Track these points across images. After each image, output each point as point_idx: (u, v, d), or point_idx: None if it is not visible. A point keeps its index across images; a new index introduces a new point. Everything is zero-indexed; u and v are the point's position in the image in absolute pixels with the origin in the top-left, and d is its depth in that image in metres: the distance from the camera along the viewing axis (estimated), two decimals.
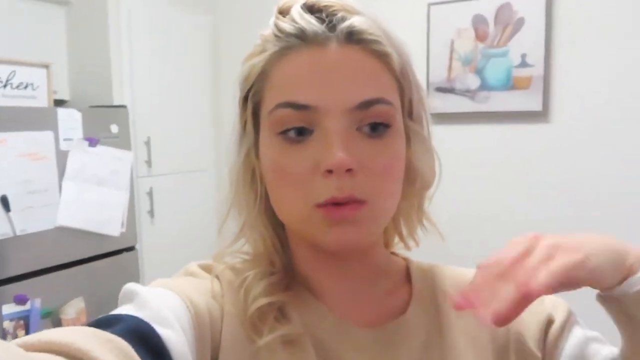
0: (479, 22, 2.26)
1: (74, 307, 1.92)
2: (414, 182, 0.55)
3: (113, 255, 2.13)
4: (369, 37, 0.48)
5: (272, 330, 0.49)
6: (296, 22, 0.48)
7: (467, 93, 2.31)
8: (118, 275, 2.14)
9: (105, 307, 2.01)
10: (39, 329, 1.77)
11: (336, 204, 0.46)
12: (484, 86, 2.27)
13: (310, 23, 0.47)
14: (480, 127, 2.32)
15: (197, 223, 2.73)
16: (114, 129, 2.14)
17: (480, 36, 2.26)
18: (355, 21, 0.48)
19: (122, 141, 2.17)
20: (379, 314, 0.55)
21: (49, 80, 2.01)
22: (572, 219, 2.16)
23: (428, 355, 0.52)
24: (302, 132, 0.47)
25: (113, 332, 0.39)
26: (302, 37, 0.48)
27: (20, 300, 1.74)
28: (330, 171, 0.45)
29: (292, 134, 0.47)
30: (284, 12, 0.50)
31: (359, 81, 0.47)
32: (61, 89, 2.32)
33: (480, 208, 2.32)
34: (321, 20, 0.48)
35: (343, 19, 0.48)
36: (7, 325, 1.70)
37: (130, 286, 0.47)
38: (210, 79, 2.88)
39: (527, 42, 2.17)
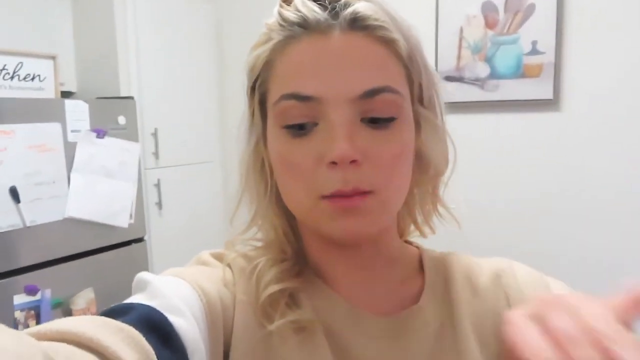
0: (488, 10, 2.22)
1: (84, 297, 1.94)
2: (427, 169, 0.54)
3: (122, 247, 2.14)
4: (374, 22, 0.46)
5: (283, 316, 0.49)
6: (299, 11, 0.47)
7: (477, 82, 2.28)
8: (127, 266, 2.16)
9: (115, 298, 2.02)
10: (50, 319, 1.78)
11: (342, 195, 0.46)
12: (494, 74, 2.24)
13: (312, 11, 0.46)
14: (490, 116, 2.29)
15: (204, 214, 2.74)
16: (122, 120, 2.14)
17: (490, 23, 2.23)
18: (359, 7, 0.46)
19: (130, 133, 2.17)
20: (391, 302, 0.54)
21: (55, 72, 2.01)
22: (583, 207, 2.13)
23: (440, 344, 0.51)
24: (306, 126, 0.47)
25: (125, 321, 0.39)
26: (304, 26, 0.47)
27: (31, 290, 1.75)
28: (334, 163, 0.45)
29: (296, 128, 0.47)
30: (287, 1, 0.49)
31: (363, 69, 0.46)
32: (68, 80, 2.32)
33: (489, 197, 2.30)
34: (324, 8, 0.47)
35: (346, 5, 0.46)
36: (19, 315, 1.72)
37: (143, 275, 0.47)
38: (215, 70, 2.88)
39: (538, 29, 2.13)
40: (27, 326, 1.73)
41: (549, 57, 2.12)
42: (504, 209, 2.27)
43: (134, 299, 0.45)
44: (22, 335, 0.30)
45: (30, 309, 1.75)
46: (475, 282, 0.56)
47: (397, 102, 0.47)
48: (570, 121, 2.14)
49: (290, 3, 0.48)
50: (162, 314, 0.42)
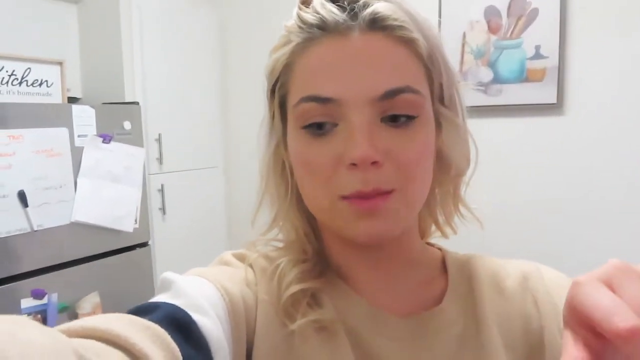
0: (491, 14, 2.24)
1: (90, 301, 1.94)
2: (448, 169, 0.54)
3: (127, 251, 2.14)
4: (393, 22, 0.46)
5: (305, 315, 0.49)
6: (317, 12, 0.47)
7: (480, 86, 2.29)
8: (132, 271, 2.16)
9: (120, 302, 2.04)
10: (56, 323, 1.78)
11: (362, 197, 0.46)
12: (497, 79, 2.25)
13: (331, 12, 0.46)
14: (494, 121, 2.30)
15: (207, 219, 2.74)
16: (127, 125, 2.15)
17: (493, 28, 2.24)
18: (379, 7, 0.46)
19: (135, 138, 2.18)
20: (414, 303, 0.54)
21: (62, 77, 2.02)
22: (587, 211, 2.14)
23: (464, 347, 0.51)
24: (325, 126, 0.47)
25: (150, 319, 0.39)
26: (323, 27, 0.46)
27: (38, 294, 1.75)
28: (354, 164, 0.45)
29: (315, 128, 0.47)
30: (306, 2, 0.49)
31: (383, 70, 0.46)
32: (74, 86, 2.33)
33: (494, 201, 2.30)
34: (342, 9, 0.46)
35: (365, 6, 0.46)
36: None
37: (167, 275, 0.47)
38: (219, 75, 2.89)
39: (541, 33, 2.14)
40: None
41: (552, 62, 2.14)
42: (509, 212, 2.27)
43: (159, 298, 0.45)
44: (54, 331, 0.31)
45: (37, 312, 1.75)
46: (502, 284, 0.55)
47: (417, 102, 0.47)
48: (573, 125, 2.15)
49: (309, 5, 0.48)
50: (186, 312, 0.42)
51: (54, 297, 1.80)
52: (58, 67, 2.01)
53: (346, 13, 0.46)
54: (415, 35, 0.47)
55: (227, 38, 2.92)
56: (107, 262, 2.05)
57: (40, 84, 1.94)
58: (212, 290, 0.47)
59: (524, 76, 2.20)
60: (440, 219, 0.59)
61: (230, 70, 2.92)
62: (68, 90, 2.13)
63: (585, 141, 2.13)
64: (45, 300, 1.77)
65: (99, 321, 0.36)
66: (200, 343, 0.41)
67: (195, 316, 0.42)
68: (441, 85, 0.50)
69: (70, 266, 1.90)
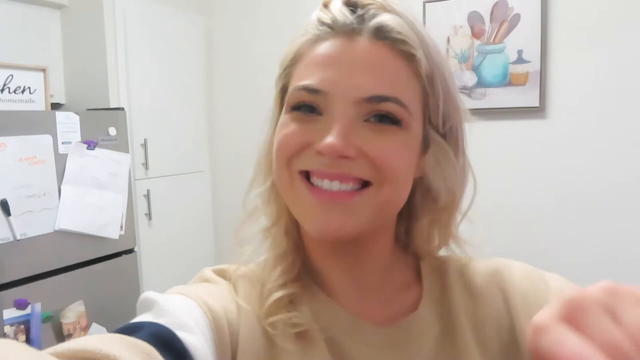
0: (474, 20, 2.26)
1: (74, 310, 1.92)
2: (434, 197, 0.54)
3: (112, 258, 2.12)
4: (397, 35, 0.48)
5: (287, 322, 0.50)
6: (332, 13, 0.50)
7: (464, 90, 2.31)
8: (118, 278, 2.14)
9: (106, 310, 2.02)
10: (40, 333, 1.76)
11: (324, 176, 0.47)
12: (481, 83, 2.28)
13: (342, 14, 0.49)
14: (478, 124, 2.31)
15: (194, 224, 2.73)
16: (112, 131, 2.13)
17: (477, 33, 2.27)
18: (386, 18, 0.48)
19: (120, 144, 2.16)
20: (391, 310, 0.54)
21: (46, 84, 2.00)
22: (570, 214, 2.17)
23: (441, 350, 0.52)
24: (313, 112, 0.48)
25: (137, 338, 0.39)
26: (332, 27, 0.49)
27: (21, 304, 1.73)
28: (321, 153, 0.46)
29: (303, 110, 0.49)
30: (326, 4, 0.52)
31: (376, 75, 0.47)
32: (57, 92, 2.31)
33: (476, 204, 2.32)
34: (354, 13, 0.49)
35: (374, 15, 0.48)
36: (8, 330, 1.69)
37: (148, 294, 0.47)
38: (204, 80, 2.88)
39: (523, 38, 2.17)
40: (16, 341, 1.71)
41: (534, 66, 2.17)
42: (491, 214, 2.30)
43: (142, 318, 0.45)
44: (43, 354, 0.31)
45: (20, 323, 1.72)
46: (471, 284, 0.56)
47: (401, 115, 0.47)
48: (555, 128, 2.18)
49: (328, 6, 0.51)
50: (171, 331, 0.42)
51: (38, 306, 1.77)
52: (41, 74, 1.98)
53: (355, 17, 0.49)
54: (417, 52, 0.48)
55: (213, 42, 2.91)
56: (93, 269, 2.03)
57: (23, 91, 1.92)
58: (194, 307, 0.47)
59: (507, 80, 2.23)
60: (426, 246, 0.59)
61: (216, 74, 2.91)
62: (51, 96, 2.11)
63: (567, 144, 2.17)
64: (28, 310, 1.75)
65: (86, 342, 0.36)
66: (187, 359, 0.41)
67: (180, 334, 0.42)
68: (437, 110, 0.51)
69: (55, 275, 1.88)
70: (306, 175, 0.49)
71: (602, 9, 2.06)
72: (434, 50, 0.50)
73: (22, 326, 1.73)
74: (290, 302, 0.52)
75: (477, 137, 2.28)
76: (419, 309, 0.54)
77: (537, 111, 2.19)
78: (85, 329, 1.95)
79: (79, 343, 0.36)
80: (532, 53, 2.16)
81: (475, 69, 2.29)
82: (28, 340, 1.74)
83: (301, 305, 0.52)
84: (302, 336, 0.50)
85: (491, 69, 2.25)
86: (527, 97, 2.19)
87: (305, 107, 0.49)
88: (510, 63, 2.21)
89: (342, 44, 0.48)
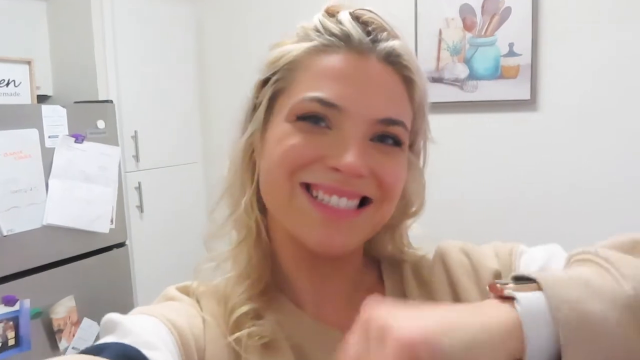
0: (466, 12, 2.25)
1: (65, 306, 1.91)
2: (405, 207, 0.58)
3: (103, 252, 2.11)
4: (404, 62, 0.50)
5: (251, 335, 0.50)
6: (344, 26, 0.50)
7: (456, 82, 2.30)
8: (109, 272, 2.13)
9: (97, 304, 2.01)
10: (29, 330, 1.76)
11: (333, 192, 0.48)
12: (473, 75, 2.27)
13: (357, 31, 0.49)
14: (469, 116, 2.32)
15: (186, 216, 2.72)
16: (101, 124, 2.11)
17: (468, 26, 2.26)
18: (396, 44, 0.50)
19: (110, 137, 2.14)
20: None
21: (31, 77, 1.97)
22: (560, 206, 2.18)
23: None
24: (320, 124, 0.48)
25: (103, 358, 0.39)
26: (346, 41, 0.49)
27: (9, 301, 1.72)
28: (337, 169, 0.47)
29: (311, 121, 0.48)
30: (330, 14, 0.52)
31: (391, 99, 0.50)
32: (44, 84, 2.28)
33: (468, 196, 2.33)
34: (367, 33, 0.50)
35: (386, 39, 0.50)
36: None
37: (111, 316, 0.47)
38: (195, 71, 2.85)
39: (515, 31, 2.16)
40: (5, 338, 1.70)
41: (525, 59, 2.16)
42: (482, 207, 2.30)
43: (105, 339, 0.44)
44: None
45: (8, 320, 1.72)
46: (422, 275, 0.58)
47: (404, 137, 0.51)
48: (546, 120, 2.19)
49: (334, 15, 0.51)
50: (137, 349, 0.42)
51: (27, 303, 1.77)
52: (26, 66, 1.96)
53: (370, 38, 0.50)
54: (417, 79, 0.52)
55: (204, 32, 2.88)
56: (83, 264, 2.02)
57: (8, 84, 1.89)
58: (159, 325, 0.47)
59: (498, 73, 2.22)
60: (387, 248, 0.61)
61: (207, 65, 2.88)
62: (38, 88, 2.08)
63: (558, 136, 2.17)
64: (17, 307, 1.74)
65: None
66: None
67: (146, 352, 0.42)
68: (417, 132, 0.55)
69: (44, 270, 1.87)
70: (306, 187, 0.49)
71: (593, 1, 2.06)
72: (424, 76, 0.53)
73: (11, 322, 1.73)
74: (255, 316, 0.52)
75: (468, 129, 2.29)
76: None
77: (528, 104, 2.19)
78: (77, 324, 1.94)
79: None
80: (523, 46, 2.16)
81: (467, 62, 2.28)
82: (17, 337, 1.74)
83: (266, 316, 0.52)
84: (268, 346, 0.51)
85: (483, 61, 2.25)
86: (518, 89, 2.19)
87: (311, 118, 0.48)
88: (501, 56, 2.21)
89: (356, 61, 0.49)
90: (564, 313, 0.35)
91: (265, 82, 0.53)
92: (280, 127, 0.50)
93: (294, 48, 0.51)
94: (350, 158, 0.46)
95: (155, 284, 2.12)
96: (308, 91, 0.48)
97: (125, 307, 2.20)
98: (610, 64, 2.06)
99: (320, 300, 0.55)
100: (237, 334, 0.50)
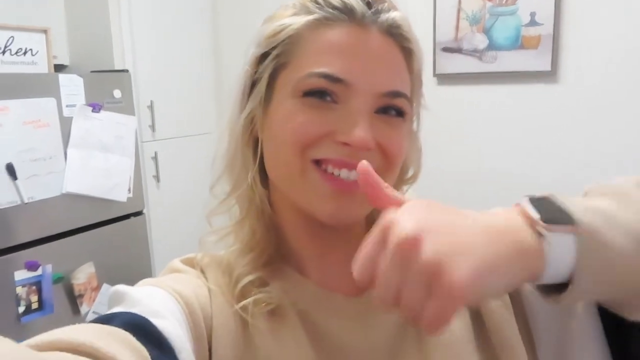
0: None
1: (85, 272, 1.96)
2: (402, 173, 0.58)
3: (121, 220, 2.15)
4: (404, 34, 0.51)
5: (257, 302, 0.51)
6: None
7: (475, 53, 2.25)
8: (127, 240, 2.18)
9: (115, 271, 2.06)
10: (52, 294, 1.81)
11: (343, 166, 0.48)
12: (492, 46, 2.22)
13: (359, 3, 0.49)
14: (488, 88, 2.28)
15: (202, 185, 2.73)
16: (117, 94, 2.11)
17: None
18: (397, 16, 0.51)
19: (126, 106, 2.15)
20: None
21: (48, 46, 1.98)
22: (580, 179, 2.15)
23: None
24: (326, 99, 0.49)
25: (112, 326, 0.40)
26: (347, 14, 0.49)
27: (32, 266, 1.77)
28: (346, 144, 0.47)
29: (317, 96, 0.48)
30: None
31: (392, 71, 0.50)
32: (61, 53, 2.28)
33: (485, 169, 2.31)
34: (368, 4, 0.49)
35: (387, 10, 0.50)
36: (20, 291, 1.74)
37: (118, 288, 0.48)
38: (211, 39, 2.83)
39: (537, 0, 2.10)
40: (29, 302, 1.76)
41: (547, 29, 2.10)
42: (499, 180, 2.28)
43: (113, 310, 0.45)
44: (21, 347, 0.32)
45: (31, 284, 1.77)
46: None
47: (407, 109, 0.52)
48: (567, 93, 2.13)
49: None
50: (144, 317, 0.43)
51: (49, 268, 1.82)
52: (43, 35, 1.96)
53: (372, 10, 0.49)
54: (416, 50, 0.52)
55: (219, 2, 2.84)
56: (102, 232, 2.06)
57: (25, 53, 1.90)
58: (165, 296, 0.47)
59: (519, 43, 2.17)
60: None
61: (222, 34, 2.86)
62: (55, 57, 2.09)
63: (579, 109, 2.12)
64: (39, 272, 1.79)
65: (61, 333, 0.36)
66: (163, 344, 0.42)
67: (154, 320, 0.43)
68: (416, 99, 0.56)
69: (64, 237, 1.91)
70: (316, 163, 0.50)
71: None
72: (420, 45, 0.53)
73: (34, 287, 1.78)
74: (260, 284, 0.53)
75: (486, 101, 2.25)
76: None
77: (548, 75, 2.14)
78: (96, 290, 2.00)
79: (54, 335, 0.36)
80: (545, 15, 2.09)
81: (487, 32, 2.22)
82: (40, 301, 1.79)
83: (271, 284, 0.53)
84: (274, 313, 0.52)
85: (503, 31, 2.19)
86: (539, 60, 2.13)
87: (317, 93, 0.48)
88: (522, 25, 2.14)
89: (358, 34, 0.49)
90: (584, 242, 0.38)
91: (264, 56, 0.52)
92: (286, 103, 0.50)
93: (294, 21, 0.50)
94: (359, 133, 0.47)
95: (172, 252, 2.15)
96: (313, 67, 0.48)
97: (142, 274, 2.26)
98: (635, 34, 1.99)
99: (324, 268, 0.55)
100: (244, 302, 0.51)
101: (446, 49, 2.30)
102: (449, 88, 2.33)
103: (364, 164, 0.40)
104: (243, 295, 0.52)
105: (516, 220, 0.40)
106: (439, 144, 2.29)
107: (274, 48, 0.51)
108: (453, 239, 0.35)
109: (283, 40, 0.50)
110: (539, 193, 0.44)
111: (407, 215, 0.36)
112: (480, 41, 2.24)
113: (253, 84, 0.53)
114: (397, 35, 0.50)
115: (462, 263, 0.33)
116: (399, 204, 0.38)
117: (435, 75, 2.32)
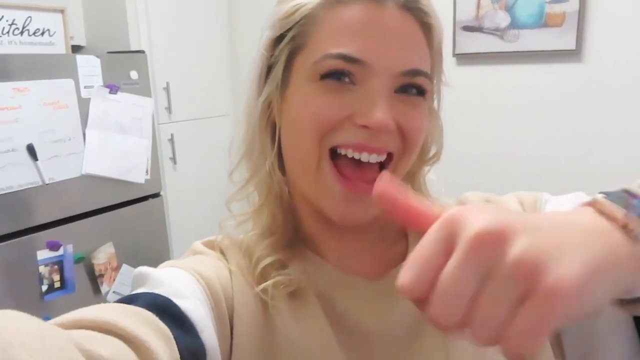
0: None
1: (105, 252, 1.98)
2: (424, 152, 0.57)
3: (139, 202, 2.16)
4: (423, 7, 0.49)
5: (277, 284, 0.51)
6: None
7: (497, 32, 2.20)
8: (145, 221, 2.19)
9: (135, 252, 2.08)
10: (73, 273, 1.84)
11: (362, 149, 0.48)
12: (515, 24, 2.16)
13: None
14: (510, 68, 2.22)
15: (218, 167, 2.74)
16: (134, 75, 2.11)
17: None
18: None
19: (142, 88, 2.15)
20: (380, 265, 0.56)
21: (65, 26, 1.97)
22: (606, 161, 2.10)
23: None
24: (344, 79, 0.47)
25: (136, 306, 0.40)
26: None
27: (54, 246, 1.79)
28: (366, 126, 0.46)
29: (335, 78, 0.47)
30: None
31: (413, 49, 0.49)
32: (77, 34, 2.28)
33: (510, 150, 2.27)
34: None
35: None
36: (43, 269, 1.76)
37: (141, 269, 0.48)
38: (226, 21, 2.81)
39: None
40: (51, 280, 1.79)
41: (572, 6, 2.03)
42: (521, 162, 2.25)
43: (137, 290, 0.46)
44: (48, 323, 0.32)
45: (53, 264, 1.79)
46: None
47: (428, 87, 0.50)
48: (593, 73, 2.08)
49: None
50: (167, 298, 0.43)
51: (70, 248, 1.84)
52: (60, 15, 1.95)
53: None
54: (436, 24, 0.50)
55: None
56: (121, 213, 2.07)
57: (42, 33, 1.90)
58: (187, 277, 0.48)
59: (542, 21, 2.11)
60: None
61: (238, 15, 2.83)
62: (71, 38, 2.08)
63: (605, 89, 2.07)
64: (61, 252, 1.81)
65: (85, 313, 0.37)
66: (186, 324, 0.42)
67: (177, 300, 0.43)
68: (437, 75, 0.54)
69: (85, 218, 1.93)
70: (332, 153, 0.49)
71: None
72: (439, 19, 0.52)
73: (56, 266, 1.80)
74: (280, 266, 0.53)
75: (508, 82, 2.21)
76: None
77: (573, 54, 2.08)
78: (116, 270, 2.02)
79: (79, 314, 0.36)
80: None
81: (509, 9, 2.16)
82: (62, 280, 1.82)
83: (292, 266, 0.54)
84: (294, 295, 0.52)
85: (526, 8, 2.13)
86: (563, 39, 2.07)
87: (335, 75, 0.47)
88: (546, 2, 2.08)
89: (375, 11, 0.47)
90: None
91: (279, 39, 0.51)
92: (304, 87, 0.49)
93: (308, 1, 0.49)
94: (379, 115, 0.45)
95: (189, 234, 2.17)
96: (329, 48, 0.47)
97: (161, 255, 2.28)
98: None
99: (343, 252, 0.55)
100: (264, 284, 0.51)
101: (466, 28, 2.24)
102: (469, 68, 2.28)
103: (379, 185, 0.33)
104: (263, 277, 0.52)
105: (600, 222, 0.32)
106: (458, 126, 2.25)
107: (289, 30, 0.50)
108: (546, 235, 0.27)
109: (298, 22, 0.49)
110: (608, 188, 0.36)
111: (476, 212, 0.27)
112: (502, 19, 2.18)
113: (269, 68, 0.52)
114: (415, 10, 0.48)
115: (568, 260, 0.26)
116: (436, 216, 0.30)
117: (454, 55, 2.27)
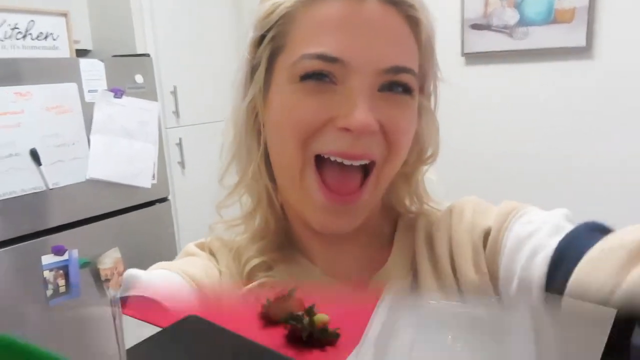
0: None
1: (111, 257, 1.98)
2: (420, 152, 0.55)
3: (147, 207, 2.15)
4: (407, 0, 0.47)
5: (262, 286, 0.51)
6: None
7: (505, 29, 2.16)
8: (153, 226, 2.18)
9: (142, 257, 2.07)
10: (78, 278, 1.83)
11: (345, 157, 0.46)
12: (523, 21, 2.13)
13: None
14: (519, 66, 2.19)
15: None
16: (139, 79, 2.11)
17: None
18: None
19: (148, 92, 2.14)
20: (365, 269, 0.55)
21: (68, 30, 1.97)
22: (618, 159, 2.05)
23: None
24: (325, 80, 0.45)
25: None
26: None
27: (59, 250, 1.79)
28: (347, 129, 0.44)
29: (314, 79, 0.45)
30: None
31: (395, 45, 0.46)
32: (84, 38, 2.28)
33: (517, 151, 2.23)
34: None
35: None
36: (48, 274, 1.76)
37: (131, 272, 0.48)
38: (233, 24, 2.80)
39: None
40: (56, 285, 1.78)
41: (582, 1, 2.00)
42: (531, 162, 2.21)
43: (126, 294, 0.46)
44: None
45: (59, 268, 1.79)
46: (429, 231, 0.55)
47: (414, 84, 0.48)
48: (603, 70, 2.03)
49: None
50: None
51: (75, 253, 1.83)
52: (63, 19, 1.95)
53: None
54: (422, 17, 0.48)
55: None
56: (127, 218, 2.07)
57: (46, 37, 1.90)
58: (176, 278, 0.48)
59: (551, 17, 2.07)
60: (393, 198, 0.59)
61: (245, 18, 2.83)
62: (77, 42, 2.08)
63: (615, 87, 2.02)
64: (66, 257, 1.81)
65: None
66: None
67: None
68: (425, 74, 0.52)
69: (90, 223, 1.93)
70: (316, 160, 0.47)
71: None
72: (429, 13, 0.49)
73: (61, 271, 1.80)
74: (267, 268, 0.53)
75: (517, 80, 2.16)
76: (387, 264, 0.54)
77: (583, 51, 2.04)
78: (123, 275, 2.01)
79: None
80: None
81: (518, 6, 2.13)
82: (67, 285, 1.82)
83: (277, 268, 0.53)
84: None
85: (534, 5, 2.09)
86: (573, 36, 2.04)
87: (315, 75, 0.45)
88: None
89: (354, 6, 0.45)
90: None
91: (260, 39, 0.49)
92: (284, 89, 0.47)
93: (281, 1, 0.47)
94: (359, 116, 0.44)
95: (198, 238, 2.15)
96: (307, 48, 0.45)
97: (168, 259, 2.26)
98: None
99: (330, 259, 0.55)
100: (250, 285, 0.51)
101: (475, 26, 2.21)
102: (478, 68, 2.25)
103: None
104: (250, 278, 0.53)
105: None
106: (467, 126, 2.22)
107: (269, 30, 0.48)
108: None
109: (277, 21, 0.47)
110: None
111: None
112: (511, 16, 2.15)
113: (253, 71, 0.51)
114: (399, 3, 0.46)
115: None
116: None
117: (463, 54, 2.24)
